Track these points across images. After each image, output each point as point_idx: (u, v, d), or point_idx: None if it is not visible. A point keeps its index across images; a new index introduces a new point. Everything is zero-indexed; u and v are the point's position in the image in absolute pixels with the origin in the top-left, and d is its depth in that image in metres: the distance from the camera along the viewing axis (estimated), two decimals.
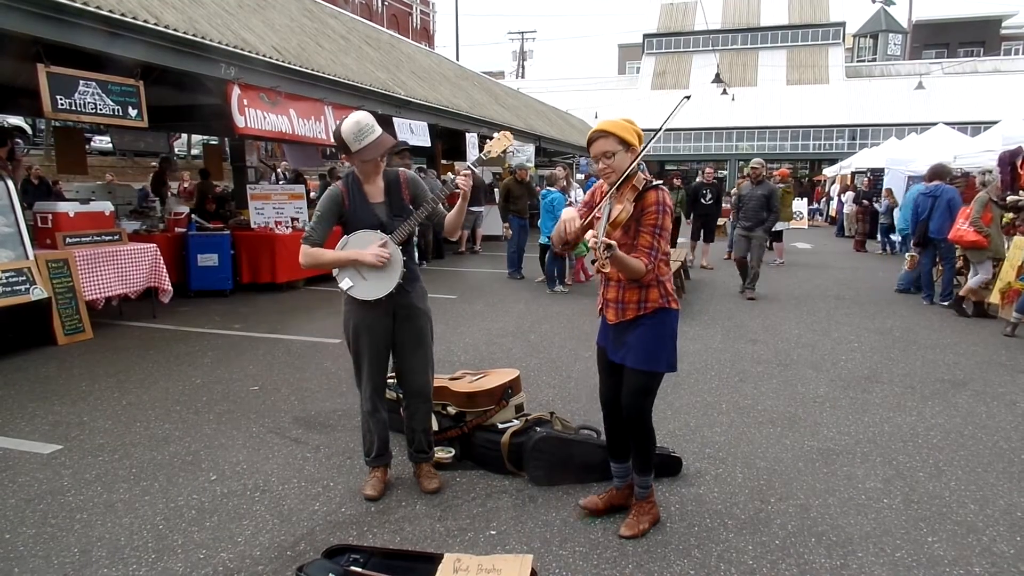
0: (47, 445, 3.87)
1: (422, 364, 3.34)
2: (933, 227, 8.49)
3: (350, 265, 3.13)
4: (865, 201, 16.14)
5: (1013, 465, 3.74)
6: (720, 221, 13.22)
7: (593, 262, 2.54)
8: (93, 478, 3.47)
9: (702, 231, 11.92)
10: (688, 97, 3.07)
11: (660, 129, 2.77)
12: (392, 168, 3.28)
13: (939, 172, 8.88)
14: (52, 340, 6.06)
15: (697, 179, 12.81)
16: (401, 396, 3.57)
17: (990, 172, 8.11)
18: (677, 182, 12.55)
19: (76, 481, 3.44)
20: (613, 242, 2.52)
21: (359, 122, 3.08)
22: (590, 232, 2.65)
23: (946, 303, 8.45)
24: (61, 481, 3.44)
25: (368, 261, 3.07)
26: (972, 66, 38.81)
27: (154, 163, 16.99)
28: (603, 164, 2.75)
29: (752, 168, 9.08)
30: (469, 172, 3.16)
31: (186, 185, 14.42)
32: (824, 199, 25.46)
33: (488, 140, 3.31)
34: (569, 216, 2.74)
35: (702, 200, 11.75)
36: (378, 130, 3.13)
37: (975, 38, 46.07)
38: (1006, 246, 7.84)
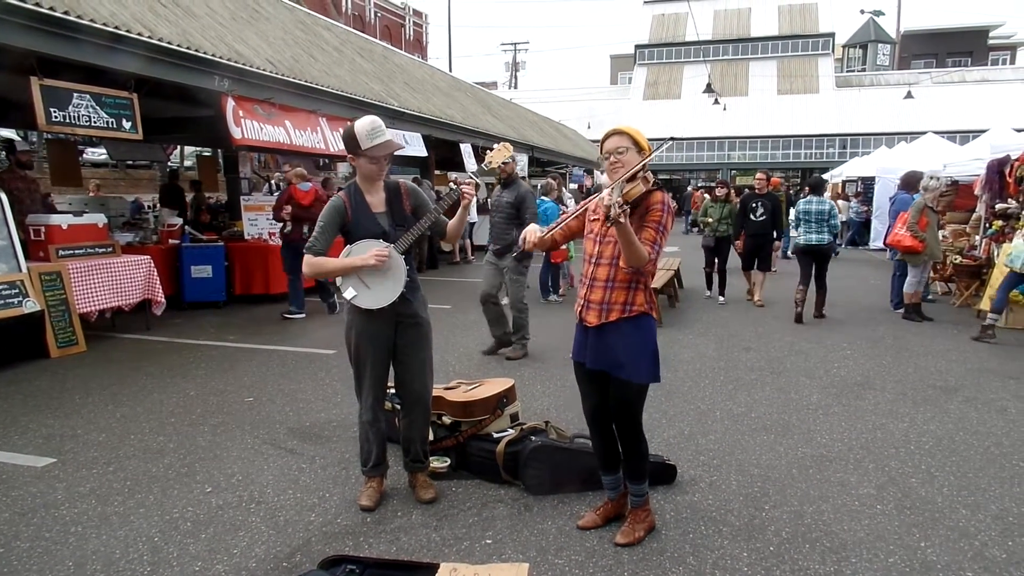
0: (40, 458, 3.86)
1: (423, 372, 3.36)
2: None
3: (353, 274, 3.15)
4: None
5: (1004, 470, 3.77)
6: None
7: (607, 218, 2.52)
8: (87, 491, 3.46)
9: (756, 257, 9.18)
10: (673, 138, 3.24)
11: (646, 159, 2.80)
12: (392, 179, 3.33)
13: (914, 180, 9.09)
14: (45, 353, 6.04)
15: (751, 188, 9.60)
16: (396, 406, 3.57)
17: (935, 179, 8.26)
18: (721, 191, 9.78)
19: (70, 494, 3.42)
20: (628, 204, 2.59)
21: (374, 121, 3.17)
22: (605, 191, 2.72)
23: (899, 310, 8.60)
24: (55, 494, 3.42)
25: (368, 263, 3.09)
26: (960, 76, 39.22)
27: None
28: (613, 159, 2.82)
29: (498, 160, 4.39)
30: (472, 181, 3.20)
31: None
32: None
33: (488, 151, 3.36)
34: (531, 229, 3.01)
35: (752, 216, 8.95)
36: (388, 134, 3.21)
37: (963, 48, 46.55)
38: (1003, 252, 7.95)
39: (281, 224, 8.01)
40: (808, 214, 8.21)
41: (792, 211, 15.77)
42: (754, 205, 8.95)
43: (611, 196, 2.55)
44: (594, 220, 2.93)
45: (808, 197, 8.39)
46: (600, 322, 2.85)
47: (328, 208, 3.22)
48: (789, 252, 15.71)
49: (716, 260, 9.49)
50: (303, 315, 8.09)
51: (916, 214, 7.95)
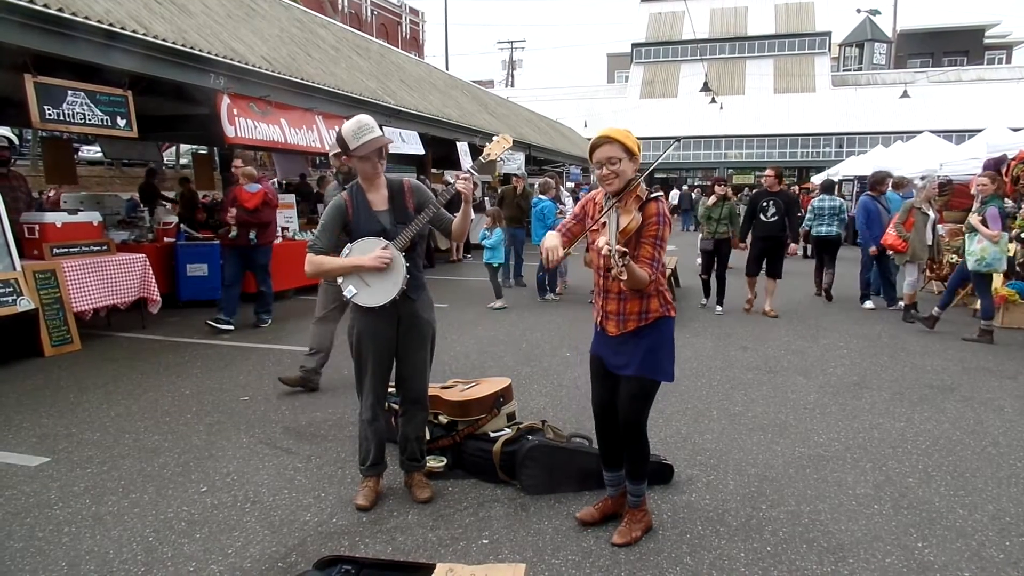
0: (34, 458, 3.83)
1: (422, 370, 3.35)
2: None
3: (353, 272, 3.15)
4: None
5: (1001, 470, 3.77)
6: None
7: (609, 270, 2.48)
8: (81, 491, 3.44)
9: (764, 261, 8.40)
10: (678, 140, 3.15)
11: (652, 167, 2.77)
12: (396, 177, 3.32)
13: (877, 180, 9.43)
14: (39, 351, 6.01)
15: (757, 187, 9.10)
16: (394, 406, 3.56)
17: (923, 179, 8.45)
18: (720, 189, 8.57)
19: (64, 494, 3.40)
20: (626, 250, 2.50)
21: (359, 120, 3.16)
22: (602, 240, 2.59)
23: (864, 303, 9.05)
24: (49, 494, 3.40)
25: (369, 265, 3.09)
26: (956, 75, 39.37)
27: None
28: (606, 171, 2.72)
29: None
30: (468, 175, 3.18)
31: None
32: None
33: (487, 144, 3.35)
34: (551, 244, 2.71)
35: (762, 216, 8.21)
36: (377, 131, 3.18)
37: (959, 47, 46.73)
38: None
39: (226, 228, 7.14)
40: (822, 210, 9.58)
41: None
42: (765, 204, 8.19)
43: (609, 248, 2.43)
44: (595, 231, 2.81)
45: (822, 196, 9.86)
46: (619, 332, 2.86)
47: (330, 208, 3.24)
48: None
49: (715, 265, 8.62)
50: (232, 327, 7.14)
51: (903, 214, 8.12)
